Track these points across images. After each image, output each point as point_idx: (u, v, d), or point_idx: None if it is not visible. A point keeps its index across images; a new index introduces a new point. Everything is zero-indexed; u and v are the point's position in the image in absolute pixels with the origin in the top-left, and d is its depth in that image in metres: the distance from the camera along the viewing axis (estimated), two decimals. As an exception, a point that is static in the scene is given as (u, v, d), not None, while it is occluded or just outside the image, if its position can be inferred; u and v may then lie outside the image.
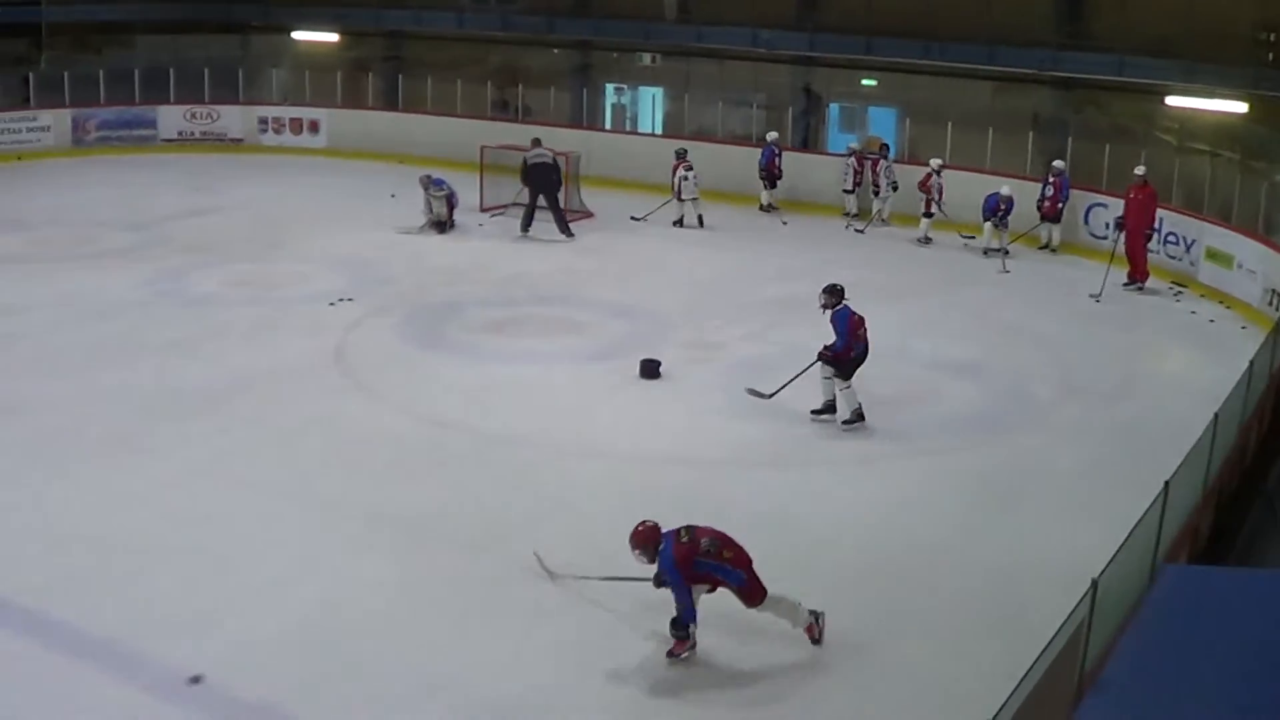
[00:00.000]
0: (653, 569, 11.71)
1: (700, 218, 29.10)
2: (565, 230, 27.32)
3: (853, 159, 30.34)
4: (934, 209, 27.97)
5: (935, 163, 28.18)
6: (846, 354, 16.87)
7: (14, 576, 12.86)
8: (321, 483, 15.30)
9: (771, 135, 30.97)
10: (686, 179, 29.03)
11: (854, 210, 30.14)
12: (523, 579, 13.03)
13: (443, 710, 10.98)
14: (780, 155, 30.72)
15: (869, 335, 17.01)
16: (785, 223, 29.80)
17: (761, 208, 30.70)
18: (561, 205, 27.79)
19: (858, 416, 16.99)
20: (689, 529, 11.68)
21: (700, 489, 15.23)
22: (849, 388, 16.97)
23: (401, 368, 19.36)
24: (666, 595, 11.67)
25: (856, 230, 29.06)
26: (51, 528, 14.01)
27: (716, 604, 11.77)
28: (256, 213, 29.55)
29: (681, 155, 29.29)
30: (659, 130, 37.28)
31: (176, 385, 18.26)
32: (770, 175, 30.68)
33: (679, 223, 29.06)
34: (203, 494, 14.92)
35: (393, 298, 22.76)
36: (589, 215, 29.13)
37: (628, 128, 38.03)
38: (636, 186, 31.54)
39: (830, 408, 17.17)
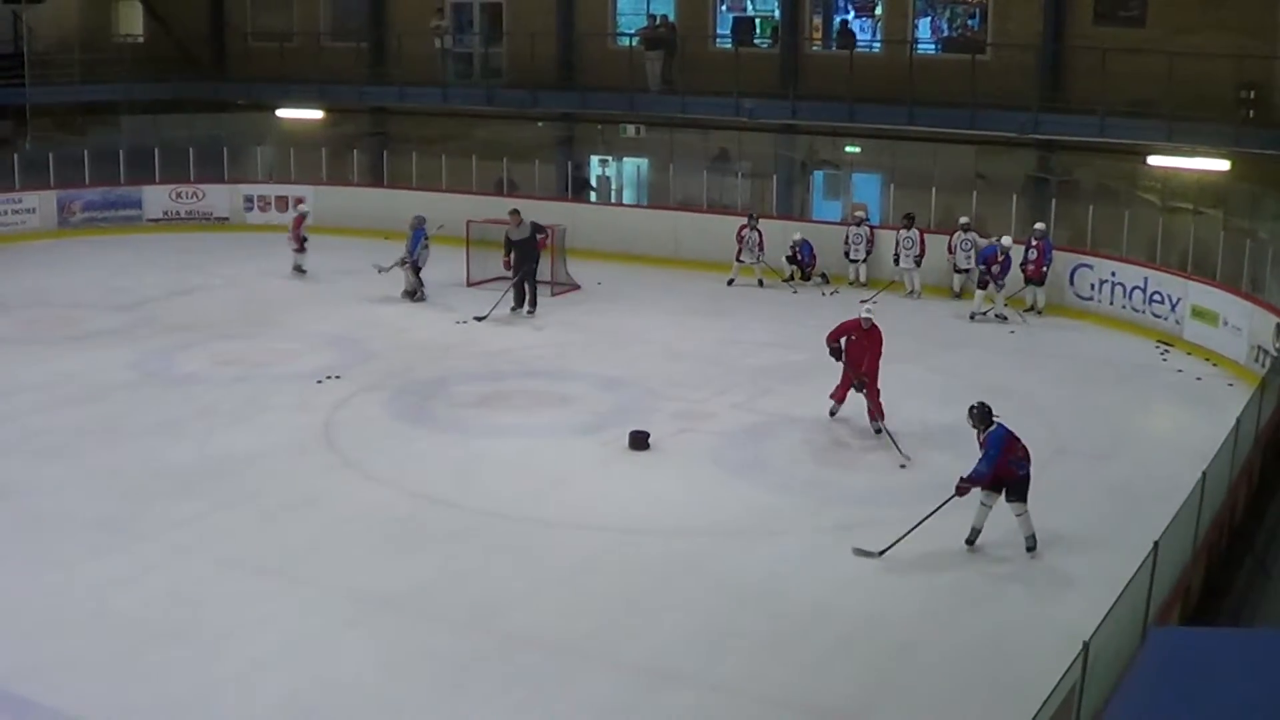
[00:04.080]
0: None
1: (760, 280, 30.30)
2: (534, 306, 27.28)
3: (863, 226, 30.27)
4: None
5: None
6: (1005, 475, 15.18)
7: (3, 661, 12.85)
8: (311, 562, 15.27)
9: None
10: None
11: (863, 279, 30.09)
12: (514, 654, 13.02)
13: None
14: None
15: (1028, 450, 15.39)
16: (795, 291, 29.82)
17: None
18: (539, 278, 27.77)
19: (1033, 543, 15.41)
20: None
21: (690, 560, 15.25)
22: (1025, 512, 15.33)
23: (390, 444, 19.31)
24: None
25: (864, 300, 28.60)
26: (40, 611, 13.99)
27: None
28: (243, 291, 29.51)
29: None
30: (644, 201, 37.43)
31: (164, 466, 18.22)
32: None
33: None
34: (191, 576, 14.90)
35: (380, 374, 22.72)
36: (575, 288, 29.15)
37: (612, 199, 38.14)
38: (622, 258, 31.63)
39: (977, 534, 15.51)
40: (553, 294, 28.49)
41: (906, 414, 19.88)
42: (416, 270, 28.03)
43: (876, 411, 19.42)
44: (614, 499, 17.23)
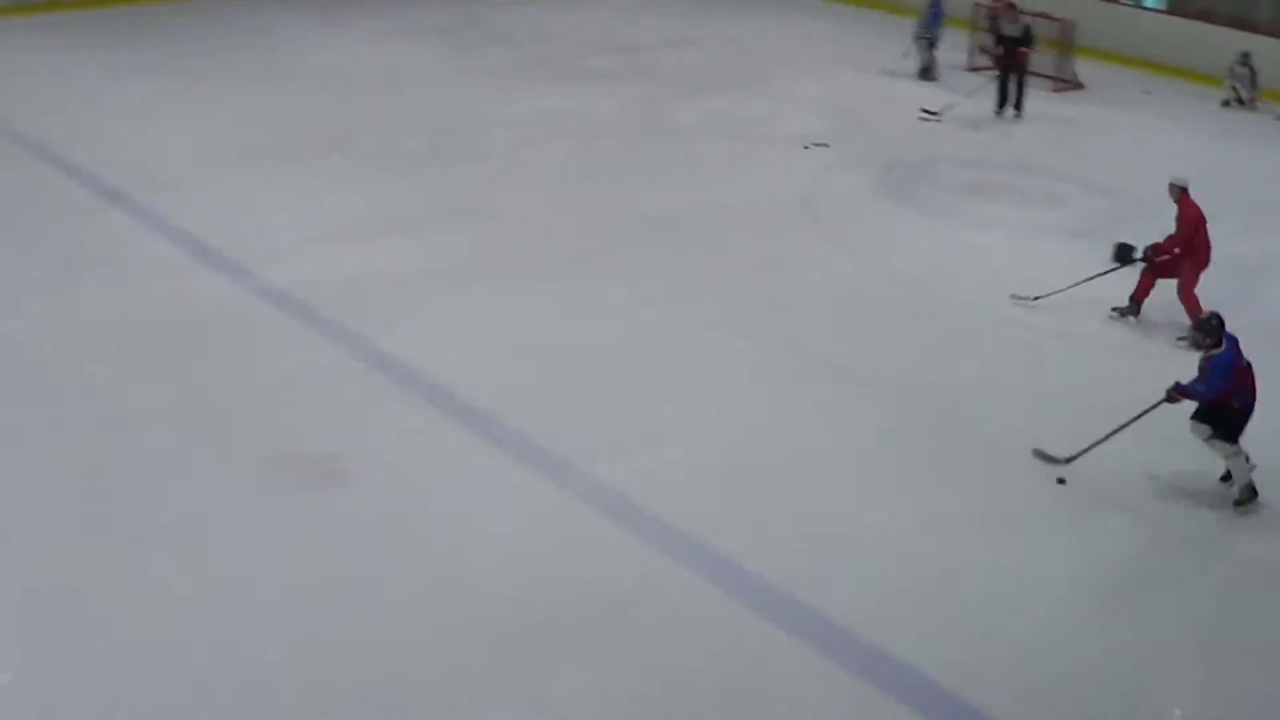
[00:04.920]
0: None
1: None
2: (1020, 107, 25.48)
3: None
4: None
5: None
6: (1219, 403, 11.99)
7: (470, 378, 13.48)
8: (769, 322, 15.30)
9: None
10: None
11: None
12: (972, 449, 12.67)
13: (857, 561, 10.96)
14: None
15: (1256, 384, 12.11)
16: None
17: None
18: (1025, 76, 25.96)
19: (1250, 493, 12.12)
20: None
21: (1148, 383, 14.35)
22: (1237, 453, 12.04)
23: (868, 219, 19.05)
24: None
25: None
26: (510, 335, 14.63)
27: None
28: (742, 48, 29.47)
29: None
30: (1163, 6, 35.58)
31: (643, 210, 18.61)
32: None
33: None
34: (653, 318, 15.25)
35: (869, 148, 22.30)
36: (1079, 86, 27.93)
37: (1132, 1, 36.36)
38: (1136, 63, 30.13)
39: (1229, 476, 12.29)
40: (1054, 89, 27.37)
41: None
42: (932, 47, 27.23)
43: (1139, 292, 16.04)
44: (1084, 308, 16.24)
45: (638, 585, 10.51)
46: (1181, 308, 15.61)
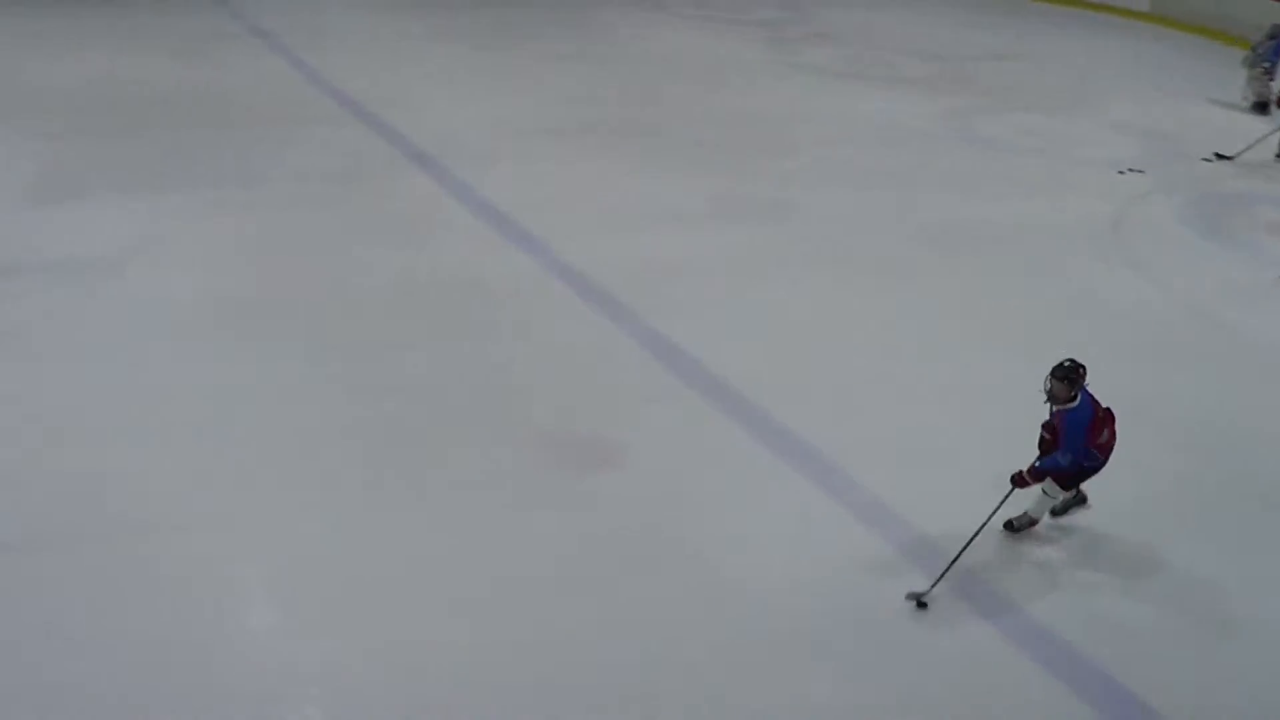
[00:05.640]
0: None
1: None
2: None
3: None
4: None
5: None
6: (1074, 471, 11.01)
7: (751, 373, 13.56)
8: (1061, 346, 14.55)
9: None
10: None
11: None
12: (1237, 500, 12.05)
13: (1119, 604, 10.57)
14: None
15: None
16: None
17: None
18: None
19: (1028, 523, 11.27)
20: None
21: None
22: (1053, 497, 11.20)
23: (1176, 251, 18.38)
24: None
25: None
26: (797, 334, 14.71)
27: None
28: (1064, 66, 28.80)
29: None
30: None
31: (946, 220, 18.47)
32: None
33: None
34: (946, 332, 15.05)
35: (1184, 178, 21.53)
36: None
37: None
38: None
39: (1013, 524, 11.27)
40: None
41: None
42: (1270, 79, 26.13)
43: None
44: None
45: (892, 599, 10.32)
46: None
